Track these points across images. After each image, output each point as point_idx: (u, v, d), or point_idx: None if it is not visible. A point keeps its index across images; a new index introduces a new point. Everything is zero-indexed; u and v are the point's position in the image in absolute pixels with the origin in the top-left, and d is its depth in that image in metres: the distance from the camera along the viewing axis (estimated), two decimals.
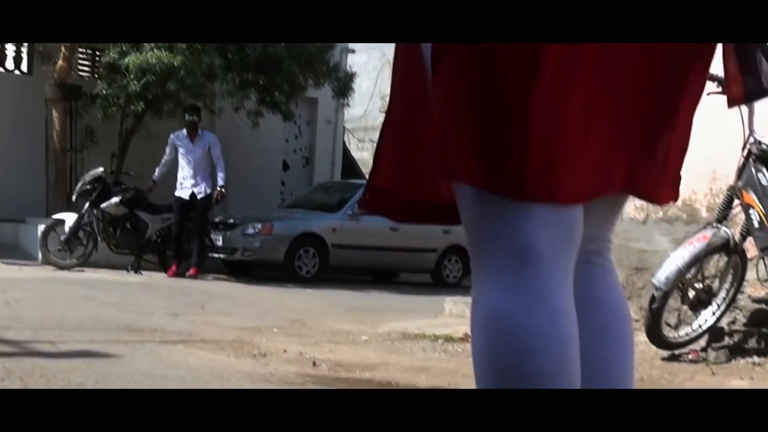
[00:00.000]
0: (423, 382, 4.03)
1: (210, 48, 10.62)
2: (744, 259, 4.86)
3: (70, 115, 11.57)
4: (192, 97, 10.72)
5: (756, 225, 4.61)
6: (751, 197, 4.62)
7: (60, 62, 11.14)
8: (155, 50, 10.15)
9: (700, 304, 4.81)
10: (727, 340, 5.01)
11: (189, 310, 6.67)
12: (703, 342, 4.92)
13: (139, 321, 5.63)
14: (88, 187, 10.00)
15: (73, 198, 10.36)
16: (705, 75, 1.45)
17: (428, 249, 12.25)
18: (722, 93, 4.70)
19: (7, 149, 12.00)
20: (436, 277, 12.39)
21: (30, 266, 9.62)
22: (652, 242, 6.25)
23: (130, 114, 11.36)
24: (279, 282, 10.32)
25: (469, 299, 4.96)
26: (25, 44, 12.08)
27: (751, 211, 4.63)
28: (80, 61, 13.04)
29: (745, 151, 4.66)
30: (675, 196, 1.47)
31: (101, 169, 10.19)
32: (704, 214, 6.09)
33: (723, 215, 4.82)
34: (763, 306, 5.06)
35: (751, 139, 4.64)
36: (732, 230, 4.79)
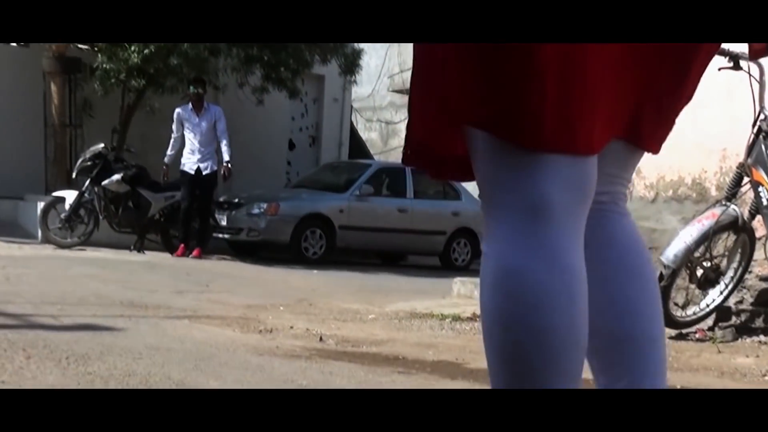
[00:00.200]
0: (430, 356, 4.01)
1: None
2: (752, 238, 4.82)
3: (69, 88, 11.30)
4: (195, 72, 10.53)
5: (765, 203, 4.56)
6: (761, 175, 4.57)
7: None
8: None
9: (708, 282, 4.78)
10: (734, 320, 4.98)
11: (193, 289, 6.65)
12: (710, 321, 4.90)
13: (143, 298, 5.61)
14: (88, 163, 9.80)
15: (74, 175, 10.16)
16: None
17: (437, 231, 12.19)
18: (733, 68, 4.65)
19: (4, 124, 11.75)
20: (445, 260, 12.31)
21: (29, 244, 9.51)
22: (661, 221, 6.22)
23: (131, 89, 11.15)
24: (285, 263, 10.29)
25: (477, 280, 4.93)
26: None
27: (761, 189, 4.59)
28: None
29: (756, 128, 4.61)
30: (659, 148, 1.48)
31: (102, 145, 9.96)
32: (714, 192, 6.05)
33: (732, 193, 4.78)
34: None
35: (762, 116, 4.59)
36: (741, 208, 4.75)
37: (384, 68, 17.81)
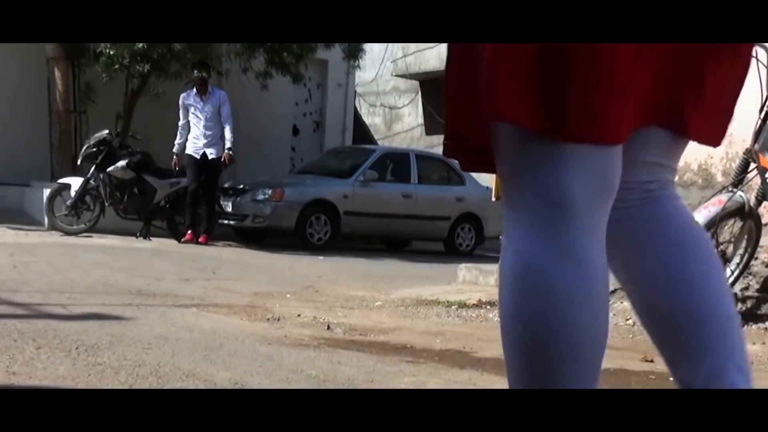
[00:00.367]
0: (438, 345, 4.03)
1: None
2: (759, 224, 4.81)
3: (73, 74, 11.26)
4: (198, 57, 10.49)
5: None
6: None
7: None
8: None
9: None
10: (740, 306, 4.98)
11: (200, 276, 6.66)
12: None
13: (151, 285, 5.62)
14: (93, 150, 9.77)
15: (79, 161, 10.14)
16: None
17: (441, 217, 12.20)
18: None
19: (10, 111, 11.75)
20: (449, 245, 12.33)
21: (36, 231, 9.55)
22: None
23: (135, 74, 11.12)
24: (290, 249, 10.31)
25: (482, 266, 4.98)
26: None
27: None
28: None
29: (763, 114, 4.59)
30: (719, 140, 1.43)
31: (106, 131, 9.93)
32: (720, 178, 6.04)
33: (738, 179, 4.76)
34: None
35: None
36: (747, 195, 4.74)
37: (387, 53, 17.75)
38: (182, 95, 10.18)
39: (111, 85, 11.08)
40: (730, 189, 4.72)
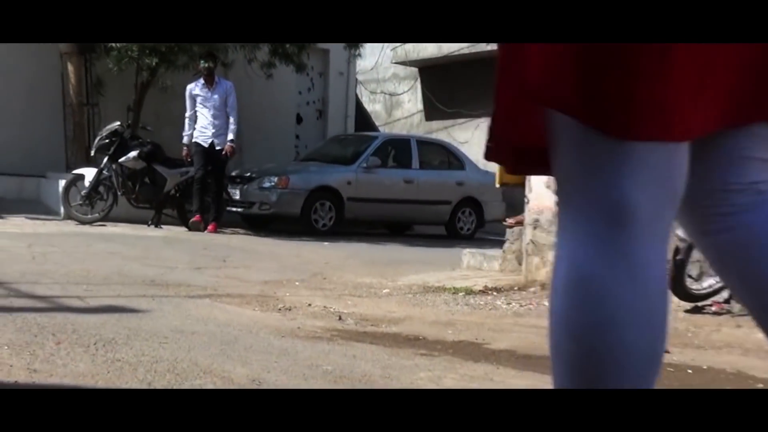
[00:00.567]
0: (450, 336, 4.11)
1: None
2: None
3: (86, 68, 11.55)
4: (207, 55, 10.55)
5: None
6: None
7: None
8: None
9: None
10: None
11: (211, 264, 6.76)
12: (725, 294, 4.93)
13: (164, 275, 5.71)
14: (105, 141, 10.02)
15: (92, 152, 10.40)
16: None
17: (442, 201, 12.32)
18: None
19: (26, 105, 12.00)
20: (450, 229, 12.46)
21: (52, 221, 9.79)
22: None
23: (144, 67, 11.31)
24: (296, 235, 10.42)
25: (485, 251, 5.06)
26: None
27: None
28: None
29: None
30: None
31: (118, 123, 10.20)
32: None
33: None
34: None
35: None
36: None
37: None
38: (189, 86, 10.31)
39: (121, 78, 11.28)
40: None
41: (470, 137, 15.73)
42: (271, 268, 6.84)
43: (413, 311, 4.81)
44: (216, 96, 10.17)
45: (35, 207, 10.63)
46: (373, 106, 18.63)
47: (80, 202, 9.88)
